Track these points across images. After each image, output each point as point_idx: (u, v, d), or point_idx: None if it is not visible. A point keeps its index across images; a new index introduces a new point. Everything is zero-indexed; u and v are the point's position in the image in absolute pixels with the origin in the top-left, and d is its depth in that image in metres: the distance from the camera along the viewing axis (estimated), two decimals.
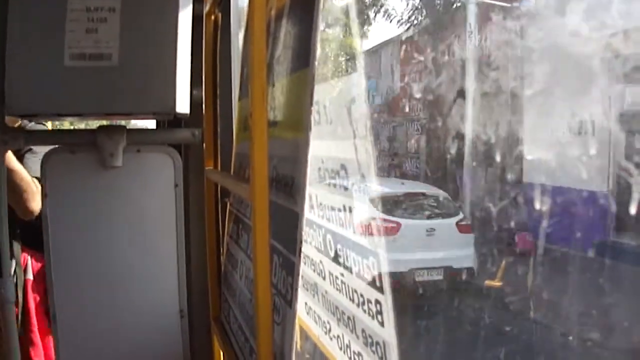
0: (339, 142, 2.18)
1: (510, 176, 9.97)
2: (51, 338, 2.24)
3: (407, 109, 15.32)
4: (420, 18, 15.04)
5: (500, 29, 10.89)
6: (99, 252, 1.99)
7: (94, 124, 2.13)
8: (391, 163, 15.69)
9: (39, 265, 2.33)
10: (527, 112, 9.87)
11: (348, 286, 2.19)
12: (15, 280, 2.23)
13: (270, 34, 1.46)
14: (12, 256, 2.14)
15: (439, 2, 14.72)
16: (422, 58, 13.62)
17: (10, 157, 2.08)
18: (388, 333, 1.99)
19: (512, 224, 9.28)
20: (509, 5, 11.00)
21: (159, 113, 1.92)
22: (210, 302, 2.05)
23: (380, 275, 2.06)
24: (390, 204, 8.68)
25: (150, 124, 2.48)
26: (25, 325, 2.29)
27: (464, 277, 8.43)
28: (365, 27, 15.95)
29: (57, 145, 2.00)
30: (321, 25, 1.21)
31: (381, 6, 15.70)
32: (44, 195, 1.97)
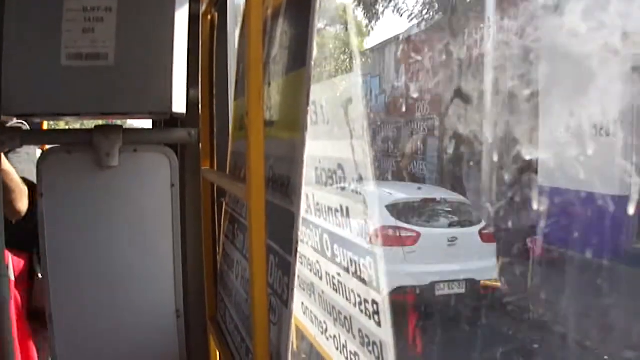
0: (335, 142, 2.18)
1: (528, 179, 9.55)
2: (32, 340, 2.24)
3: (419, 109, 14.56)
4: (432, 12, 14.23)
5: (520, 23, 10.25)
6: (96, 252, 1.98)
7: (89, 123, 2.13)
8: (406, 165, 14.82)
9: (21, 265, 2.31)
10: (547, 111, 9.31)
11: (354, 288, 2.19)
12: None
13: (267, 33, 1.46)
14: None
15: None
16: (432, 55, 12.81)
17: (1, 158, 2.08)
18: (385, 333, 1.99)
19: (533, 230, 8.72)
20: None
21: (155, 113, 1.92)
22: (207, 302, 2.05)
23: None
24: (407, 211, 7.99)
25: (147, 123, 2.48)
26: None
27: (487, 290, 7.72)
28: (373, 22, 15.50)
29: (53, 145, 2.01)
30: (319, 24, 1.21)
31: (391, 0, 15.12)
32: (39, 195, 1.96)
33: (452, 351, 6.80)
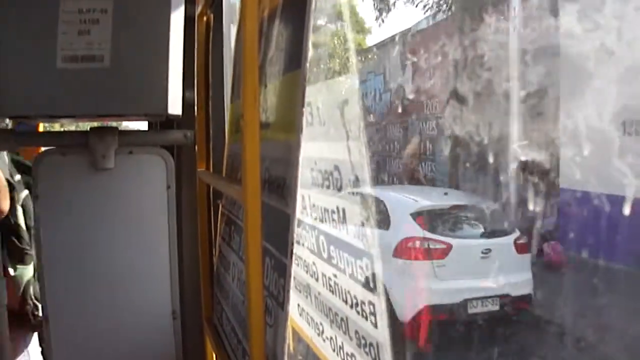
0: (331, 143, 2.18)
1: (557, 183, 8.78)
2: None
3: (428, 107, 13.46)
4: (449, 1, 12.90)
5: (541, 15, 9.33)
6: (92, 255, 1.98)
7: (85, 125, 2.13)
8: (415, 167, 13.63)
9: None
10: (571, 110, 8.39)
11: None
12: None
13: (262, 35, 1.47)
14: None
15: None
16: (446, 49, 11.68)
17: None
18: (381, 334, 1.99)
19: (567, 238, 8.08)
20: None
21: (151, 114, 1.92)
22: (203, 304, 2.05)
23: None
24: (435, 220, 7.13)
25: (142, 125, 2.47)
26: None
27: (523, 306, 6.94)
28: (384, 15, 14.90)
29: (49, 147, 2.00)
30: (318, 22, 1.21)
31: None
32: (35, 197, 1.96)
33: None
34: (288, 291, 1.22)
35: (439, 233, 6.94)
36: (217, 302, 1.96)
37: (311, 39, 1.21)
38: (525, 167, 8.77)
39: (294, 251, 1.22)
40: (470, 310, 6.68)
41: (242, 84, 1.23)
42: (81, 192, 1.98)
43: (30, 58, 1.76)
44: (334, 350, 2.31)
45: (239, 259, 1.63)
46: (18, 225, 2.38)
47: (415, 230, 6.77)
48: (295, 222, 1.20)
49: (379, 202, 6.88)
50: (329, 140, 2.20)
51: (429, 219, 7.04)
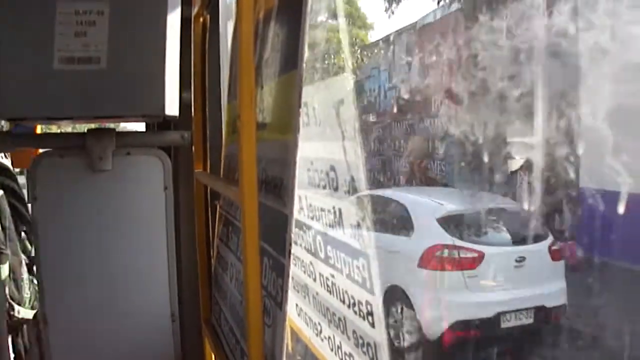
0: (327, 143, 2.18)
1: (582, 182, 8.05)
2: None
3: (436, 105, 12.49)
4: None
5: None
6: (89, 256, 1.98)
7: (82, 127, 2.13)
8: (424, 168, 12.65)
9: None
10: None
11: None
12: None
13: (258, 36, 1.47)
14: None
15: None
16: (461, 43, 10.68)
17: None
18: (379, 334, 2.00)
19: (596, 242, 7.10)
20: None
21: (148, 115, 1.92)
22: (201, 305, 2.05)
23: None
24: (464, 226, 6.55)
25: (140, 126, 2.47)
26: None
27: (558, 317, 6.35)
28: (393, 5, 14.35)
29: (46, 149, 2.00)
30: (318, 18, 1.21)
31: None
32: (33, 199, 1.96)
33: None
34: (286, 291, 1.23)
35: (469, 240, 6.39)
36: (215, 303, 1.96)
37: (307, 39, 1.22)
38: (551, 167, 7.97)
39: (292, 251, 1.22)
40: (503, 325, 6.16)
41: (238, 85, 1.24)
42: (79, 193, 1.98)
43: (27, 60, 1.76)
44: (332, 350, 2.31)
45: (237, 260, 1.63)
46: None
47: (443, 237, 6.28)
48: (293, 222, 1.20)
49: (399, 206, 6.58)
50: (325, 140, 2.20)
51: (457, 224, 6.52)
